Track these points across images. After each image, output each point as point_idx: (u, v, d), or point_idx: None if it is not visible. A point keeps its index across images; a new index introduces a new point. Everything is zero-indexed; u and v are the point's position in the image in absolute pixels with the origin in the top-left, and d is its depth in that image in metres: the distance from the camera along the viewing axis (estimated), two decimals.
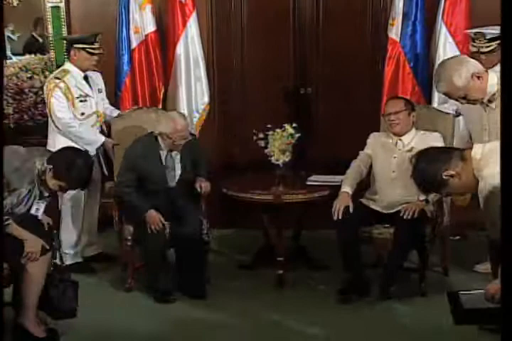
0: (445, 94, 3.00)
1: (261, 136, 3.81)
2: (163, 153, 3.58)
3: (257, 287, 3.64)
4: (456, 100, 3.02)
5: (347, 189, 3.50)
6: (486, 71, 2.99)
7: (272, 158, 3.80)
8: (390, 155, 3.54)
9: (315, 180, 3.76)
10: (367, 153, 3.64)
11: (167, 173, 3.58)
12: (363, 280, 3.48)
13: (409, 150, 3.40)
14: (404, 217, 3.29)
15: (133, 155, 3.56)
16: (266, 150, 3.81)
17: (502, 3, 2.11)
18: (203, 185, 3.59)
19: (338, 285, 3.50)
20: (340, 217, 3.36)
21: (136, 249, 3.60)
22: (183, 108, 4.33)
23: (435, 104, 4.10)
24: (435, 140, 3.48)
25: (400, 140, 3.54)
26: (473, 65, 2.93)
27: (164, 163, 3.58)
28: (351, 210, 3.39)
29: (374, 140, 3.65)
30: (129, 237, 3.55)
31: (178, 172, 3.62)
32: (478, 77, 2.91)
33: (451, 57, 3.17)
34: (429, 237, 3.42)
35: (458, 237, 4.35)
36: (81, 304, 3.08)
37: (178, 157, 3.60)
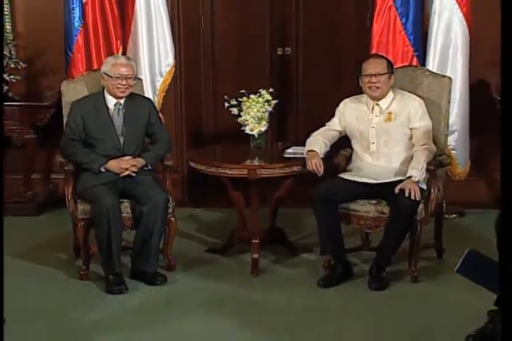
0: None
1: (233, 102, 3.77)
2: (112, 112, 3.55)
3: (228, 273, 3.59)
4: None
5: (315, 148, 3.48)
6: None
7: (246, 128, 3.77)
8: (367, 126, 3.51)
9: (294, 152, 3.66)
10: (335, 130, 3.61)
11: (118, 135, 3.53)
12: (346, 262, 3.48)
13: (388, 117, 3.47)
14: (412, 197, 3.26)
15: (78, 109, 3.55)
16: (239, 119, 3.77)
17: (502, 3, 2.13)
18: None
19: (320, 270, 3.51)
20: (322, 173, 3.40)
21: (90, 231, 3.48)
22: (145, 70, 4.25)
23: (430, 66, 4.07)
24: (416, 105, 3.49)
25: (377, 104, 3.51)
26: None
27: (113, 122, 3.54)
28: (321, 172, 3.39)
29: (347, 110, 3.59)
30: (83, 216, 3.46)
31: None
32: None
33: None
34: (422, 215, 3.37)
35: (454, 215, 4.38)
36: (33, 291, 3.15)
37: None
